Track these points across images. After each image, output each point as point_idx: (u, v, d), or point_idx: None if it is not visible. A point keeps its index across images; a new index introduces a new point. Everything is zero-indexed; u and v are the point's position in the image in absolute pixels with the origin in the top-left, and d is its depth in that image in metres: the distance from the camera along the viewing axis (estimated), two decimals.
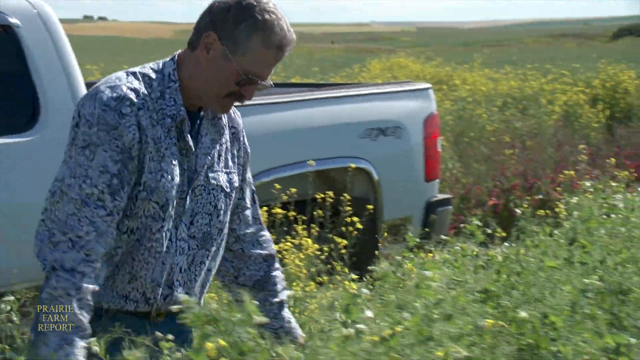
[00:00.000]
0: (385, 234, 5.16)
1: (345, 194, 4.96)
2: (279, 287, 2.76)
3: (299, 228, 4.62)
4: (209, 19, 2.41)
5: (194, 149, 2.45)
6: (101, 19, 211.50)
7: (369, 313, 2.20)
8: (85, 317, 2.20)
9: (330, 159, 5.26)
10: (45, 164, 3.51)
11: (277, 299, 2.74)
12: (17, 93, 4.19)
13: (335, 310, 2.72)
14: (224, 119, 2.57)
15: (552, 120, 12.25)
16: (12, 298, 3.33)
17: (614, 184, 5.40)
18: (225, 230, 2.61)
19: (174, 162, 2.40)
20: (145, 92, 2.37)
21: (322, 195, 4.91)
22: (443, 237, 4.26)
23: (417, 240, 3.50)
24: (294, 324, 2.76)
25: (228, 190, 2.57)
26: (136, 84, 2.37)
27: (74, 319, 2.18)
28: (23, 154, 4.04)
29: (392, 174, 5.48)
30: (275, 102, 5.20)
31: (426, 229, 5.44)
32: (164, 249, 2.42)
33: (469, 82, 16.30)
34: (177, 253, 2.47)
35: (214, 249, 2.57)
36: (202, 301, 2.61)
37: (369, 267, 3.37)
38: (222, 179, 2.55)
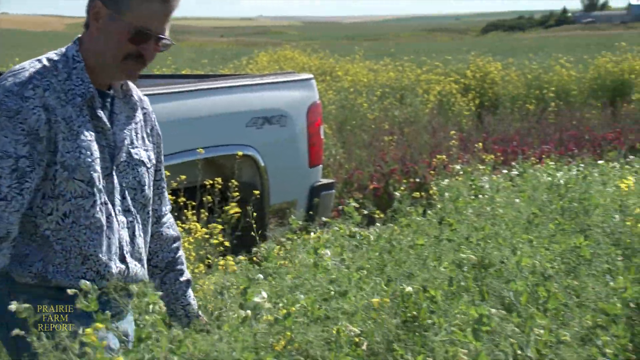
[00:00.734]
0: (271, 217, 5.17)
1: (233, 180, 4.95)
2: (184, 266, 2.78)
3: (189, 213, 4.60)
4: None
5: (109, 125, 2.41)
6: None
7: (264, 294, 2.20)
8: None
9: (218, 147, 5.23)
10: None
11: (184, 278, 2.75)
12: None
13: (227, 292, 2.73)
14: (135, 96, 2.54)
15: (428, 108, 12.49)
16: None
17: (481, 167, 5.54)
18: (150, 207, 2.58)
19: (90, 138, 2.35)
20: (50, 74, 2.34)
21: (211, 182, 4.89)
22: (324, 219, 4.30)
23: (299, 222, 3.51)
24: (195, 302, 2.78)
25: (149, 166, 2.55)
26: (39, 68, 2.34)
27: None
28: None
29: (277, 160, 5.48)
30: (165, 93, 5.12)
31: (310, 212, 5.50)
32: (104, 223, 2.38)
33: (351, 73, 16.43)
34: (120, 227, 2.44)
35: (143, 222, 2.54)
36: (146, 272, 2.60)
37: (254, 248, 3.37)
38: (143, 155, 2.53)
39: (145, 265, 2.57)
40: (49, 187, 2.31)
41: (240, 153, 5.11)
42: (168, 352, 1.85)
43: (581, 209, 3.83)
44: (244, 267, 3.29)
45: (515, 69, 15.90)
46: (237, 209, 4.81)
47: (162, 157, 2.70)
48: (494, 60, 16.46)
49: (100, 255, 2.37)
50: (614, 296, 2.63)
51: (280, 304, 2.22)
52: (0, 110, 2.25)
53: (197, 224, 4.45)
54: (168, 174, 4.62)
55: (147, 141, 2.58)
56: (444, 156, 7.33)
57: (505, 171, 5.57)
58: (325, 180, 5.97)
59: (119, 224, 2.43)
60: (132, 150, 2.48)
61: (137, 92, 2.57)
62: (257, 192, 5.12)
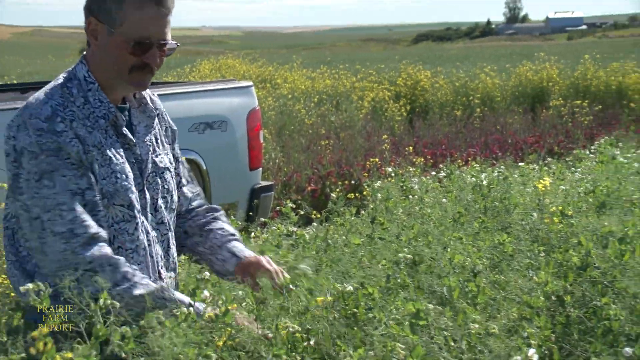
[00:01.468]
0: None
1: None
2: (228, 226, 2.55)
3: None
4: (86, 8, 2.24)
5: (134, 140, 2.27)
6: None
7: (206, 293, 2.17)
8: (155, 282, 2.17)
9: None
10: None
11: (230, 231, 2.52)
12: None
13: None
14: (150, 103, 2.39)
15: (362, 114, 12.55)
16: None
17: (412, 169, 5.59)
18: (176, 209, 2.45)
19: (122, 160, 2.21)
20: (69, 103, 2.17)
21: None
22: (264, 219, 4.30)
23: (239, 223, 3.50)
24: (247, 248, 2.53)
25: (172, 169, 2.42)
26: (57, 99, 2.17)
27: (154, 289, 2.09)
28: None
29: (219, 164, 5.47)
30: None
31: (250, 213, 5.49)
32: (146, 242, 2.26)
33: (290, 80, 16.46)
34: (154, 243, 2.30)
35: (172, 229, 2.41)
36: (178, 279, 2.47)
37: None
38: (166, 160, 2.39)
39: (177, 271, 2.45)
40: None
41: (183, 158, 5.07)
42: (116, 346, 1.81)
43: (503, 207, 3.90)
44: (186, 267, 3.27)
45: (444, 77, 16.10)
46: None
47: (179, 154, 2.53)
48: (423, 68, 16.62)
49: (147, 276, 2.22)
50: (537, 290, 2.68)
51: (220, 301, 2.21)
52: (42, 151, 2.07)
53: None
54: None
55: (165, 143, 2.44)
56: (377, 159, 7.38)
57: (434, 173, 5.63)
58: (264, 183, 5.97)
59: (152, 241, 2.30)
60: (156, 159, 2.34)
61: (149, 97, 2.41)
62: None
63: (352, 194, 6.41)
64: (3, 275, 2.90)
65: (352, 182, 7.60)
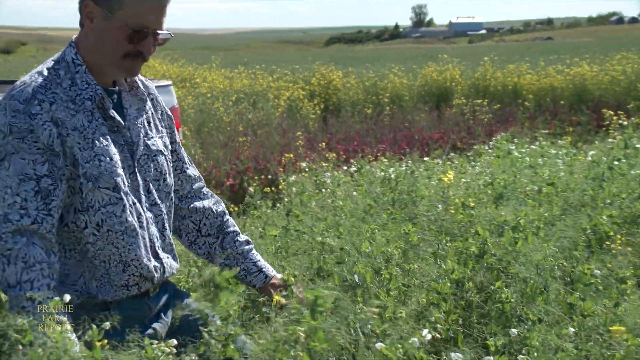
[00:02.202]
0: None
1: None
2: (237, 228, 2.54)
3: None
4: None
5: (123, 123, 2.18)
6: None
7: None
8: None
9: None
10: None
11: (243, 238, 2.52)
12: None
13: None
14: (142, 86, 2.29)
15: (278, 112, 12.53)
16: None
17: (325, 164, 5.62)
18: (172, 194, 2.35)
19: (105, 143, 2.11)
20: (54, 85, 2.08)
21: None
22: None
23: None
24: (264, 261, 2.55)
25: (166, 153, 2.32)
26: (41, 81, 2.08)
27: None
28: None
29: None
30: None
31: None
32: (137, 224, 2.15)
33: (209, 80, 16.31)
34: (149, 224, 2.21)
35: (168, 211, 2.31)
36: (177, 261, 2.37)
37: None
38: (159, 143, 2.29)
39: (176, 254, 2.36)
40: (77, 201, 2.08)
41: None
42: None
43: (409, 200, 3.96)
44: None
45: (355, 77, 16.19)
46: None
47: (176, 138, 2.45)
48: (336, 69, 16.71)
49: (141, 258, 2.16)
50: (444, 277, 2.74)
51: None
52: (12, 132, 1.99)
53: None
54: None
55: (160, 127, 2.34)
56: (292, 155, 7.38)
57: (345, 168, 5.67)
58: None
59: (147, 221, 2.21)
60: (148, 142, 2.24)
61: (141, 81, 2.33)
62: None
63: (269, 188, 6.41)
64: None
65: (269, 176, 7.58)
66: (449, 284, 2.66)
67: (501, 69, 16.24)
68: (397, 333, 2.19)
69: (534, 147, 6.13)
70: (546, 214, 3.63)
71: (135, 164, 2.19)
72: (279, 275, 2.50)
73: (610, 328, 2.29)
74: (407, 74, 16.62)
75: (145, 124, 2.26)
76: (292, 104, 13.50)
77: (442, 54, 20.44)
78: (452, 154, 7.01)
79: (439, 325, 2.41)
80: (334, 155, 6.76)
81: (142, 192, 2.20)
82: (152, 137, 2.27)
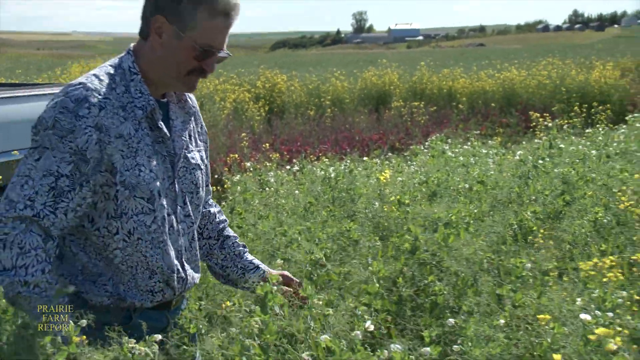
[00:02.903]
0: None
1: None
2: (235, 234, 2.54)
3: None
4: (153, 4, 2.06)
5: (169, 135, 2.12)
6: None
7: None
8: (49, 296, 1.90)
9: (25, 149, 5.00)
10: None
11: (240, 242, 2.50)
12: None
13: None
14: (189, 101, 2.25)
15: (224, 114, 12.47)
16: None
17: (268, 164, 5.61)
18: (201, 207, 2.30)
19: (148, 154, 2.05)
20: (108, 90, 2.01)
21: None
22: None
23: None
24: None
25: (202, 167, 2.26)
26: (97, 84, 2.00)
27: (41, 305, 1.87)
28: None
29: None
30: None
31: None
32: (167, 237, 2.10)
33: None
34: (180, 235, 2.16)
35: (197, 222, 2.27)
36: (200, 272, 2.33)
37: None
38: (197, 157, 2.24)
39: (199, 265, 2.31)
40: (112, 207, 2.01)
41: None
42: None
43: (348, 198, 3.98)
44: None
45: (299, 80, 16.22)
46: None
47: (208, 153, 2.38)
48: (280, 73, 16.71)
49: (165, 268, 2.11)
50: (372, 277, 2.76)
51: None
52: (54, 127, 1.94)
53: None
54: None
55: (199, 141, 2.30)
56: (237, 155, 7.35)
57: (288, 167, 5.67)
58: None
59: (179, 232, 2.16)
60: (188, 155, 2.19)
61: (188, 95, 2.27)
62: None
63: (215, 188, 6.37)
64: None
65: (215, 176, 7.54)
66: (377, 285, 2.67)
67: (437, 73, 16.45)
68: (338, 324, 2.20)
69: (466, 147, 6.22)
70: (476, 211, 3.69)
71: (176, 175, 2.15)
72: (274, 272, 2.47)
73: (538, 317, 2.34)
74: (348, 77, 16.71)
75: (187, 137, 2.23)
76: (238, 106, 13.45)
77: (382, 59, 20.61)
78: (390, 154, 7.07)
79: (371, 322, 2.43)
80: (278, 155, 6.75)
81: (178, 203, 2.16)
82: (192, 151, 2.22)
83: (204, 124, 2.35)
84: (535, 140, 6.92)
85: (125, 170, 2.00)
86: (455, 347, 2.25)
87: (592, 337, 2.07)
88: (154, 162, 2.07)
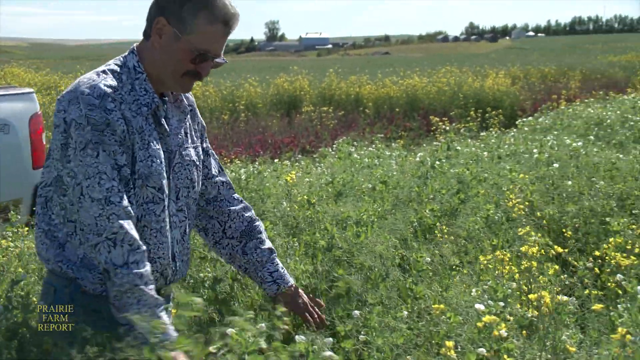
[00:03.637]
0: None
1: None
2: (265, 235, 2.44)
3: None
4: (157, 6, 2.08)
5: (169, 131, 2.13)
6: None
7: None
8: (155, 292, 1.95)
9: None
10: None
11: (267, 246, 2.42)
12: None
13: None
14: (185, 100, 2.23)
15: None
16: None
17: None
18: (196, 202, 2.29)
19: (157, 146, 2.08)
20: (119, 87, 2.03)
21: None
22: None
23: (18, 217, 3.29)
24: (284, 270, 2.44)
25: (198, 163, 2.25)
26: (110, 81, 2.02)
27: (151, 300, 1.92)
28: None
29: (3, 163, 5.15)
30: None
31: (34, 208, 5.17)
32: (168, 226, 2.11)
33: None
34: (172, 228, 2.14)
35: (189, 218, 2.25)
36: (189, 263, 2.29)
37: None
38: (192, 153, 2.23)
39: (189, 260, 2.31)
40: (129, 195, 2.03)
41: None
42: None
43: (258, 197, 3.96)
44: None
45: (213, 86, 16.05)
46: None
47: (208, 146, 2.38)
48: None
49: (164, 258, 2.12)
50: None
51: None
52: (90, 124, 1.94)
53: None
54: None
55: (194, 138, 2.28)
56: None
57: None
58: None
59: (172, 225, 2.16)
60: (183, 152, 2.20)
61: (185, 94, 2.28)
62: None
63: None
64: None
65: None
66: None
67: (345, 80, 16.60)
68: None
69: (371, 149, 6.29)
70: (379, 209, 3.73)
71: (171, 170, 2.16)
72: (293, 285, 2.43)
73: (433, 307, 2.39)
74: (261, 83, 16.67)
75: (183, 134, 2.23)
76: None
77: (293, 66, 20.64)
78: (300, 156, 7.08)
79: (285, 317, 2.42)
80: None
81: (171, 197, 2.17)
82: (187, 148, 2.23)
83: (202, 119, 2.37)
84: (434, 143, 7.07)
85: (139, 161, 2.04)
86: (361, 337, 2.27)
87: (479, 324, 2.13)
88: (162, 156, 2.11)
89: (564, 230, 3.66)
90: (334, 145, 6.84)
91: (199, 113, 2.38)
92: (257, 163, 5.14)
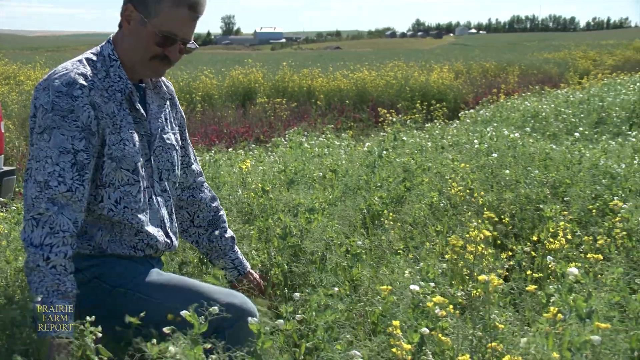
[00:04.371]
0: None
1: None
2: (226, 224, 2.52)
3: None
4: None
5: (146, 116, 2.15)
6: None
7: None
8: (61, 280, 1.91)
9: None
10: None
11: (229, 234, 2.50)
12: None
13: None
14: (164, 87, 2.26)
15: None
16: None
17: None
18: (177, 184, 2.33)
19: (130, 130, 2.11)
20: (92, 74, 2.07)
21: None
22: (5, 200, 3.98)
23: None
24: (242, 256, 2.54)
25: (177, 148, 2.28)
26: (82, 69, 2.06)
27: (51, 285, 1.89)
28: None
29: None
30: None
31: None
32: (148, 205, 2.13)
33: (32, 78, 15.28)
34: (160, 206, 2.18)
35: (173, 199, 2.28)
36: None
37: None
38: (172, 138, 2.26)
39: (178, 235, 2.35)
40: (97, 177, 2.07)
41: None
42: None
43: (214, 185, 3.92)
44: None
45: (170, 77, 15.82)
46: None
47: (186, 135, 2.42)
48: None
49: (150, 231, 2.15)
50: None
51: None
52: (54, 110, 1.98)
53: None
54: None
55: (174, 125, 2.33)
56: None
57: None
58: (7, 168, 5.47)
59: (159, 204, 2.20)
60: (164, 136, 2.24)
61: (164, 82, 2.33)
62: None
63: None
64: None
65: None
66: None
67: (297, 73, 16.54)
68: None
69: (322, 139, 6.29)
70: (330, 197, 3.74)
71: (152, 153, 2.20)
72: (249, 268, 2.56)
73: (378, 287, 2.40)
74: (217, 75, 16.49)
75: (163, 120, 2.27)
76: None
77: (248, 59, 20.49)
78: (254, 146, 7.03)
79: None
80: None
81: (155, 178, 2.21)
82: (167, 132, 2.27)
83: (180, 108, 2.40)
84: (382, 133, 7.10)
85: (112, 145, 2.06)
86: (297, 316, 2.27)
87: (413, 303, 2.14)
88: (136, 139, 2.13)
89: (502, 216, 3.73)
90: (286, 135, 6.82)
91: (178, 103, 2.42)
92: (212, 152, 5.09)
